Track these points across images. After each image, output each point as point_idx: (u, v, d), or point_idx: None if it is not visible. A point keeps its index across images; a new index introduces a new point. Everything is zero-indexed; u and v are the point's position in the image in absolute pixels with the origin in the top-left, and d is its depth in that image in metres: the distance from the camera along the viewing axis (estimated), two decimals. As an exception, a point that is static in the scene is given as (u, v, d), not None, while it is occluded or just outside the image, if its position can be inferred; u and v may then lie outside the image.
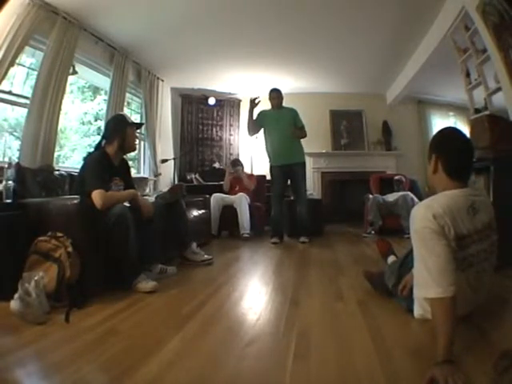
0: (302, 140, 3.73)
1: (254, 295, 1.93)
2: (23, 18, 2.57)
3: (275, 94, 3.69)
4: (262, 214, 4.19)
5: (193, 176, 5.28)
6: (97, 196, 1.88)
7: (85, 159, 2.15)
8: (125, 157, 2.34)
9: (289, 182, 3.77)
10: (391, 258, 2.02)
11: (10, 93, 2.81)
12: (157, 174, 4.68)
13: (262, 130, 3.77)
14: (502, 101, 2.55)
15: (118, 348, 1.19)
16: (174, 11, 3.22)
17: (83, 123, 4.82)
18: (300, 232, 3.66)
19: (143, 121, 4.44)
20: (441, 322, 1.02)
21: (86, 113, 4.82)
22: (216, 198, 4.04)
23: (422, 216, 1.16)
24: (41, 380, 1.05)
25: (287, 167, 3.62)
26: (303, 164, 3.71)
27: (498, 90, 2.56)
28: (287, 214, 3.91)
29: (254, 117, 3.67)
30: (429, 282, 1.08)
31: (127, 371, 1.02)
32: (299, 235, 3.65)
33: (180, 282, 2.12)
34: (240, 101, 5.81)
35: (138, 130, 2.43)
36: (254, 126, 3.71)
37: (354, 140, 5.64)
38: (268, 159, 3.79)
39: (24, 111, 2.82)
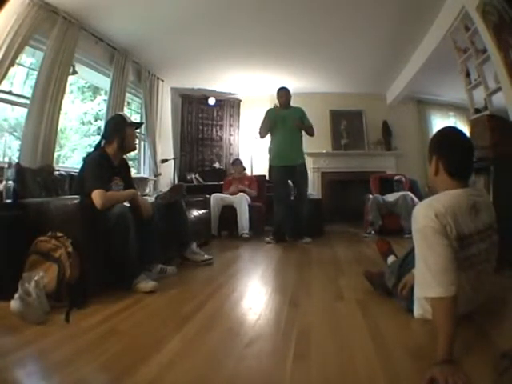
0: (302, 139, 3.74)
1: (254, 295, 1.93)
2: (23, 18, 2.57)
3: (282, 93, 3.69)
4: (262, 214, 4.19)
5: (193, 176, 5.28)
6: (97, 196, 1.88)
7: (84, 159, 2.16)
8: (124, 157, 2.34)
9: (289, 182, 3.76)
10: (391, 258, 2.02)
11: (10, 93, 2.81)
12: (157, 174, 4.68)
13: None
14: (502, 101, 2.55)
15: (118, 348, 1.19)
16: (174, 11, 3.22)
17: (83, 123, 4.82)
18: (301, 233, 3.64)
19: (143, 121, 4.44)
20: (441, 322, 1.02)
21: (85, 113, 4.83)
22: (216, 198, 4.05)
23: (424, 215, 1.15)
24: (41, 380, 1.05)
25: (290, 168, 3.61)
26: (305, 164, 3.73)
27: (498, 89, 2.56)
28: (289, 214, 3.89)
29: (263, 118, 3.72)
30: (430, 281, 1.08)
31: (127, 371, 1.02)
32: (299, 236, 3.63)
33: (180, 282, 2.12)
34: (240, 101, 5.82)
35: (138, 130, 2.43)
36: (266, 130, 3.73)
37: (353, 140, 5.64)
38: (269, 158, 3.77)
39: (24, 111, 2.82)
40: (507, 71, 2.34)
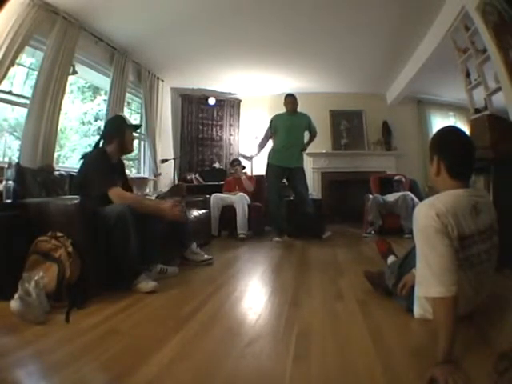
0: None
1: (254, 295, 1.93)
2: (23, 18, 2.57)
3: (290, 99, 3.81)
4: (261, 214, 4.19)
5: (193, 176, 5.28)
6: (115, 193, 1.95)
7: (83, 158, 2.15)
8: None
9: (285, 181, 3.87)
10: (391, 258, 2.02)
11: (10, 93, 2.81)
12: (157, 174, 4.68)
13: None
14: (502, 101, 2.55)
15: (118, 348, 1.19)
16: (174, 11, 3.22)
17: (83, 123, 4.81)
18: (317, 231, 3.78)
19: (143, 121, 4.45)
20: (442, 322, 1.02)
21: (85, 113, 4.82)
22: (216, 198, 4.04)
23: (426, 214, 1.15)
24: (41, 380, 1.05)
25: (287, 170, 3.72)
26: (303, 168, 3.85)
27: (498, 89, 2.56)
28: (287, 214, 3.91)
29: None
30: (431, 281, 1.08)
31: (127, 371, 1.02)
32: (310, 235, 3.77)
33: (180, 282, 2.12)
34: (240, 101, 5.81)
35: (138, 130, 2.43)
36: (264, 143, 3.99)
37: (353, 140, 5.64)
38: (268, 157, 3.85)
39: (24, 111, 2.82)
40: (507, 71, 2.34)
